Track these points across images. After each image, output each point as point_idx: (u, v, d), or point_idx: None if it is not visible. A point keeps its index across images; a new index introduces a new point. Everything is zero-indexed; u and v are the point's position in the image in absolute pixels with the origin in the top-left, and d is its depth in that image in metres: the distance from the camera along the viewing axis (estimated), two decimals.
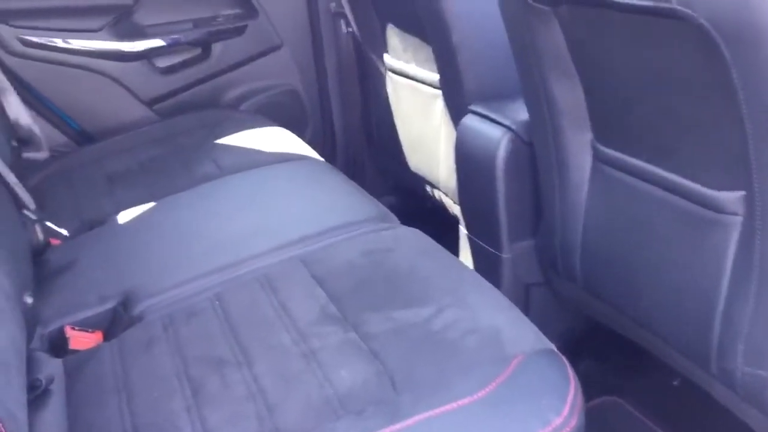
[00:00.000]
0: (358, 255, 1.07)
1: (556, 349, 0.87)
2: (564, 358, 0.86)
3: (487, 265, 1.38)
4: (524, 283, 1.36)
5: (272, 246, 1.13)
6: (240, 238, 1.17)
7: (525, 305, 1.36)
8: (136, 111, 1.90)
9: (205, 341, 0.93)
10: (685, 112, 0.89)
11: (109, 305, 1.07)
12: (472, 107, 1.38)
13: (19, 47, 1.76)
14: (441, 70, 1.49)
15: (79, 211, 1.41)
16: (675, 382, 1.23)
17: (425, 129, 1.66)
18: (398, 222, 1.23)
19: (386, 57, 1.79)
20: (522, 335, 0.88)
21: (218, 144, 1.62)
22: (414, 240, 1.12)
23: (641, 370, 1.34)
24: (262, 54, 2.02)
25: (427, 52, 1.53)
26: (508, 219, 1.30)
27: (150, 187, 1.45)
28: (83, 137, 1.87)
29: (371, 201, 1.30)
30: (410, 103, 1.72)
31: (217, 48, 1.97)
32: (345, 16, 1.96)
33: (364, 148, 2.11)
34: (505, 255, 1.33)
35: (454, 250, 1.49)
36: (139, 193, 1.43)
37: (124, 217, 1.33)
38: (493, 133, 1.28)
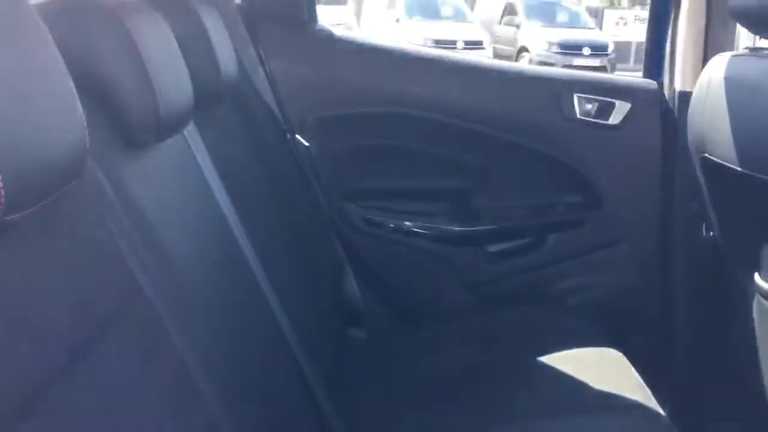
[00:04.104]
0: None
1: None
2: None
3: None
4: None
5: None
6: None
7: None
8: (458, 296, 1.85)
9: None
10: None
11: None
12: None
13: (363, 226, 1.83)
14: None
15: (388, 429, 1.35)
16: None
17: None
18: None
19: (757, 277, 1.48)
20: None
21: (537, 366, 1.45)
22: None
23: None
24: (599, 247, 1.84)
25: None
26: None
27: (464, 415, 1.33)
28: (405, 319, 1.86)
29: None
30: None
31: (551, 237, 1.85)
32: (707, 219, 1.69)
33: (708, 370, 1.77)
34: None
35: None
36: (450, 422, 1.31)
37: None
38: None
